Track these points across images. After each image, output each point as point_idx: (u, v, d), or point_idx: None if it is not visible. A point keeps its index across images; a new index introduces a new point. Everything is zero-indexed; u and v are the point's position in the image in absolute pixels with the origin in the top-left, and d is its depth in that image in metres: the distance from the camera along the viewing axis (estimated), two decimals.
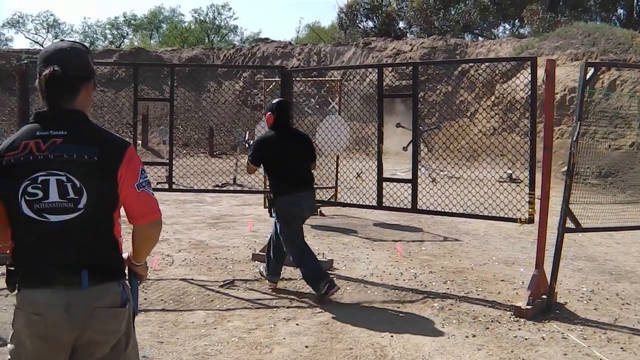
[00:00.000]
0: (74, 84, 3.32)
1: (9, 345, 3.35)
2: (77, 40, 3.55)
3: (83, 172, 3.24)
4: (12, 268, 3.32)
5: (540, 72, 7.86)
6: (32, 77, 9.91)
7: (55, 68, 3.23)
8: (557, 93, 23.30)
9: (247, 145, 8.87)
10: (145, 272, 3.72)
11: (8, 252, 3.37)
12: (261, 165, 8.30)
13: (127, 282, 3.51)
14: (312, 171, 8.48)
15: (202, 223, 13.14)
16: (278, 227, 8.21)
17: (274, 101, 8.46)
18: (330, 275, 8.33)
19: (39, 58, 3.35)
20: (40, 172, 3.21)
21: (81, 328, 3.24)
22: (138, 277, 3.67)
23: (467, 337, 6.58)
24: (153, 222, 3.47)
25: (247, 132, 9.82)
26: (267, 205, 14.56)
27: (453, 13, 42.67)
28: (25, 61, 10.01)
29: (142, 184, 3.38)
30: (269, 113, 8.25)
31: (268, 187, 8.55)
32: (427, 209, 9.10)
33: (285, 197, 8.03)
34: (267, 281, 8.53)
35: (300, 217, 8.22)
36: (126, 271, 3.57)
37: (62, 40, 3.53)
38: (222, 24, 62.18)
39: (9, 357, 3.35)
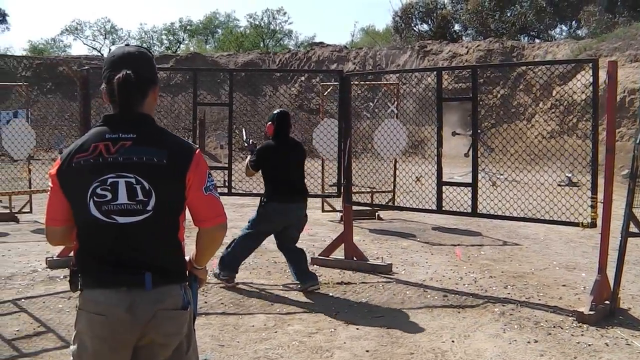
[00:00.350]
0: (144, 87, 3.37)
1: (72, 347, 3.38)
2: (142, 46, 3.53)
3: (152, 174, 3.27)
4: (75, 268, 3.37)
5: (602, 74, 7.75)
6: (93, 83, 10.06)
7: (129, 72, 3.27)
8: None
9: (246, 145, 9.06)
10: (205, 276, 3.73)
11: (72, 253, 3.42)
12: (259, 170, 8.70)
13: (187, 285, 3.53)
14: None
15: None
16: (253, 219, 8.68)
17: (275, 112, 8.80)
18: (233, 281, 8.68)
19: (107, 62, 3.39)
20: (110, 174, 3.25)
21: (143, 329, 3.26)
22: (198, 281, 3.67)
23: (529, 342, 6.51)
24: (219, 225, 3.47)
25: (244, 130, 9.86)
26: (324, 209, 14.66)
27: (509, 15, 42.22)
28: (87, 67, 10.16)
29: (209, 188, 3.40)
30: (269, 123, 8.67)
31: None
32: (487, 213, 9.04)
33: (275, 204, 8.46)
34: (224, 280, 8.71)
35: (278, 225, 8.58)
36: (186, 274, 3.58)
37: (127, 44, 3.57)
38: (277, 28, 62.45)
39: (71, 358, 3.39)
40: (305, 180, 8.91)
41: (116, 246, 3.27)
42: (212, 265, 9.46)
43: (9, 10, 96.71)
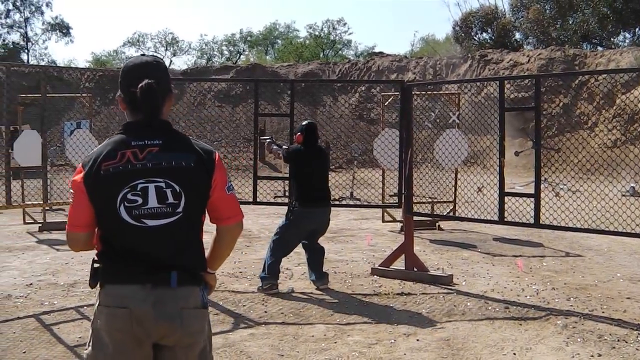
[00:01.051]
0: (163, 95, 3.53)
1: (86, 350, 3.46)
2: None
3: (182, 177, 3.42)
4: (98, 265, 3.46)
5: None
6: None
7: (151, 81, 3.39)
8: None
9: (266, 142, 9.50)
10: (214, 282, 3.77)
11: (95, 253, 3.50)
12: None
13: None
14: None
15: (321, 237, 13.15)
16: (284, 224, 9.07)
17: (304, 123, 9.20)
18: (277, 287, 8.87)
19: (125, 72, 3.53)
20: (139, 180, 3.37)
21: (169, 326, 3.33)
22: (208, 287, 3.67)
23: (592, 356, 6.38)
24: (240, 222, 3.68)
25: (264, 125, 10.13)
26: (384, 219, 14.62)
27: (571, 22, 41.69)
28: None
29: (230, 187, 3.61)
30: (298, 133, 9.09)
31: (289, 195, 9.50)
32: (550, 224, 8.91)
33: (301, 209, 8.87)
34: (264, 288, 8.92)
35: (306, 230, 9.02)
36: None
37: (143, 54, 3.72)
38: (337, 38, 62.52)
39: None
40: (369, 191, 9.01)
41: (144, 247, 3.37)
42: None
43: (72, 23, 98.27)
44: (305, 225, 8.97)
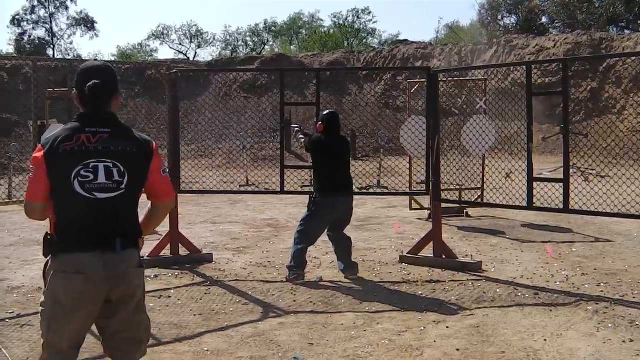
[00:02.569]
0: (109, 93, 4.26)
1: (41, 308, 4.15)
2: (106, 61, 4.45)
3: (126, 160, 4.16)
4: (50, 237, 4.17)
5: None
6: (181, 86, 10.17)
7: (97, 81, 4.15)
8: None
9: (294, 131, 9.58)
10: (142, 244, 4.41)
11: (49, 225, 4.24)
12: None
13: None
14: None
15: (348, 225, 13.12)
16: (306, 214, 9.17)
17: (324, 112, 9.31)
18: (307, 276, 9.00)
19: (80, 74, 4.29)
20: (92, 160, 4.09)
21: (116, 283, 4.08)
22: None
23: (624, 342, 6.33)
24: (172, 199, 4.65)
25: (289, 115, 10.22)
26: (412, 207, 14.58)
27: (597, 6, 41.33)
28: (175, 71, 10.28)
29: (165, 170, 4.42)
30: (320, 123, 9.17)
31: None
32: (580, 209, 8.84)
33: (322, 199, 8.92)
34: (291, 278, 8.99)
35: (328, 219, 9.08)
36: None
37: (96, 59, 4.77)
38: (361, 27, 62.41)
39: (41, 319, 4.16)
40: (395, 179, 9.02)
41: (94, 217, 4.08)
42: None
43: (97, 18, 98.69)
44: (326, 214, 9.00)
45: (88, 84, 4.14)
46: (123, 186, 4.13)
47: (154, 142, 4.38)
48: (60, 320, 4.08)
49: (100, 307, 4.12)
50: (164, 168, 4.40)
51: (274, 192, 9.85)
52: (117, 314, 4.18)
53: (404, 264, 9.74)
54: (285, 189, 10.10)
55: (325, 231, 9.24)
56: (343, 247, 9.21)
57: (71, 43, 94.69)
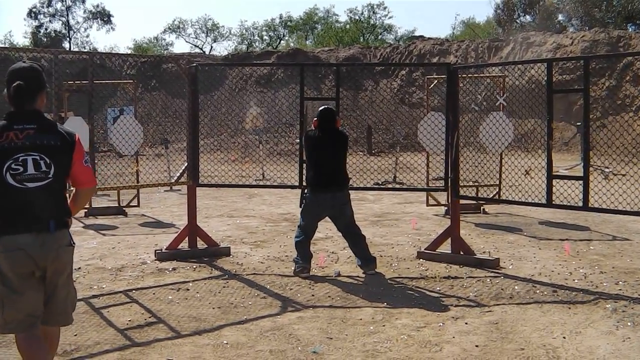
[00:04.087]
0: (33, 93, 4.77)
1: None
2: (34, 62, 5.09)
3: (51, 152, 4.71)
4: None
5: None
6: (201, 80, 10.18)
7: (20, 82, 4.68)
8: None
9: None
10: (71, 223, 5.00)
11: None
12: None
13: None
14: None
15: (365, 221, 13.18)
16: (301, 210, 9.29)
17: (320, 109, 9.27)
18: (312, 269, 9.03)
19: (8, 75, 4.76)
20: (20, 154, 4.64)
21: (51, 260, 4.69)
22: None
23: None
24: (93, 187, 5.25)
25: (306, 110, 10.24)
26: (429, 203, 14.56)
27: (615, 4, 41.13)
28: (195, 64, 10.30)
29: (86, 161, 5.02)
30: (315, 119, 9.16)
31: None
32: (599, 207, 8.81)
33: (310, 194, 9.08)
34: (297, 271, 9.05)
35: (318, 214, 9.17)
36: None
37: (24, 61, 4.97)
38: (377, 22, 62.29)
39: None
40: (412, 175, 8.99)
41: (28, 204, 4.64)
42: (318, 259, 9.56)
43: (113, 11, 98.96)
44: (315, 210, 9.09)
45: (12, 85, 4.69)
46: (50, 175, 4.70)
47: (77, 135, 4.95)
48: (11, 297, 4.65)
49: (39, 279, 4.74)
50: (85, 159, 4.99)
51: (293, 187, 9.83)
52: (50, 284, 4.79)
53: (421, 259, 9.74)
54: (304, 184, 10.10)
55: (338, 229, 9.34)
56: (355, 243, 9.20)
57: (87, 36, 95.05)
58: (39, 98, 4.82)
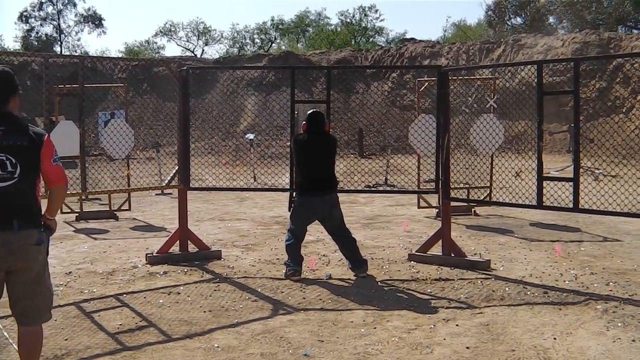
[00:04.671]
0: (5, 95, 4.96)
1: None
2: (5, 65, 5.42)
3: (18, 153, 4.85)
4: None
5: None
6: (192, 83, 10.18)
7: None
8: None
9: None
10: (55, 225, 5.27)
11: None
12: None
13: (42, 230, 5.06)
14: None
15: (356, 223, 13.21)
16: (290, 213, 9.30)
17: (308, 112, 9.23)
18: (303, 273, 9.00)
19: None
20: None
21: (13, 259, 4.82)
22: (50, 229, 5.18)
23: (633, 340, 6.34)
24: (63, 185, 5.18)
25: (297, 113, 10.26)
26: (420, 205, 14.58)
27: (605, 5, 41.23)
28: (186, 67, 10.29)
29: (55, 160, 5.07)
30: (304, 122, 9.15)
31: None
32: (589, 208, 8.83)
33: (298, 198, 9.09)
34: (288, 274, 9.04)
35: (306, 218, 9.14)
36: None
37: None
38: (368, 25, 62.34)
39: None
40: (404, 178, 8.99)
41: None
42: (309, 262, 9.56)
43: (104, 15, 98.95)
44: (303, 214, 9.10)
45: None
46: (16, 175, 4.84)
47: (47, 135, 5.09)
48: None
49: (4, 276, 4.90)
50: (54, 158, 5.06)
51: (284, 190, 9.84)
52: (17, 283, 4.94)
53: (412, 262, 9.74)
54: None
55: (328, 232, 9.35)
56: (345, 246, 9.20)
57: (79, 40, 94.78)
58: (12, 100, 5.00)
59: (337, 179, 9.32)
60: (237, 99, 33.17)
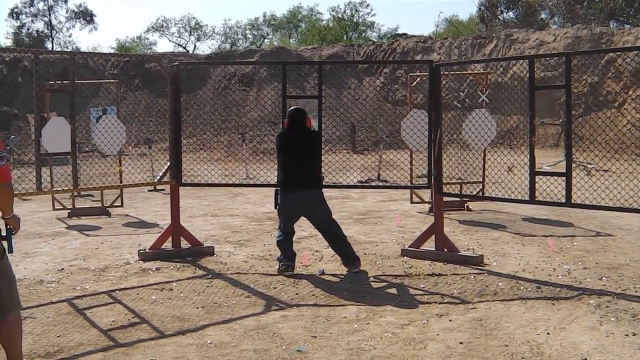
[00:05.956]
0: None
1: None
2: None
3: None
4: None
5: None
6: (183, 79, 10.15)
7: None
8: None
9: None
10: (15, 223, 5.39)
11: None
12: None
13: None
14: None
15: (349, 219, 13.21)
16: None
17: (289, 109, 9.31)
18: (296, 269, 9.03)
19: None
20: None
21: None
22: (12, 228, 5.35)
23: (626, 335, 6.33)
24: (2, 183, 5.11)
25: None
26: (413, 200, 14.58)
27: (597, 0, 41.26)
28: (177, 63, 10.27)
29: None
30: (285, 120, 9.25)
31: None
32: (582, 203, 8.83)
33: (281, 194, 9.14)
34: (281, 270, 9.06)
35: (290, 214, 9.19)
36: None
37: None
38: (360, 20, 62.31)
39: None
40: (396, 173, 8.98)
41: None
42: (302, 258, 9.55)
43: (96, 10, 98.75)
44: (286, 211, 9.15)
45: None
46: None
47: None
48: None
49: None
50: None
51: (274, 186, 9.82)
52: None
53: (405, 257, 9.74)
54: None
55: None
56: (334, 242, 9.22)
57: (70, 36, 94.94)
58: None
59: (322, 175, 9.35)
60: (229, 94, 33.11)
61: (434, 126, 9.54)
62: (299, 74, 32.94)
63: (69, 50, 52.12)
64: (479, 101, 13.09)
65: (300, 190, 8.97)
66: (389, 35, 54.57)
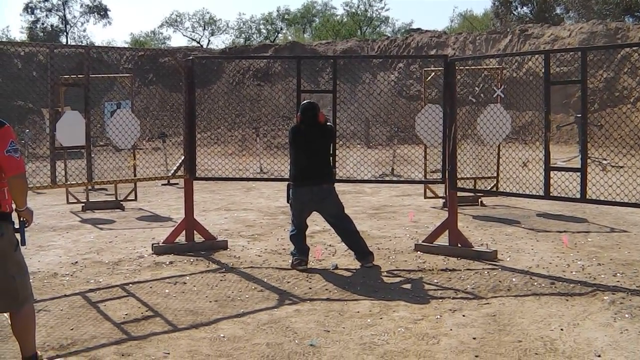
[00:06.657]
0: None
1: None
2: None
3: None
4: None
5: None
6: (197, 73, 10.16)
7: None
8: None
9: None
10: (28, 216, 5.38)
11: None
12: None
13: (10, 223, 5.19)
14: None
15: (363, 214, 13.21)
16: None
17: (302, 103, 9.31)
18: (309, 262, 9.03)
19: None
20: None
21: None
22: (25, 220, 5.36)
23: None
24: (17, 174, 5.07)
25: None
26: (426, 195, 14.55)
27: None
28: (191, 57, 10.27)
29: (9, 150, 5.02)
30: (298, 114, 9.17)
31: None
32: (597, 198, 8.79)
33: (292, 189, 9.08)
34: (294, 264, 9.03)
35: (302, 208, 9.13)
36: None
37: None
38: (374, 15, 62.17)
39: None
40: (410, 168, 8.97)
41: None
42: (315, 252, 9.54)
43: (110, 5, 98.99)
44: (297, 205, 9.11)
45: None
46: None
47: (5, 126, 5.07)
48: None
49: None
50: (8, 148, 5.03)
51: (288, 180, 9.82)
52: None
53: (419, 252, 9.72)
54: None
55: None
56: (345, 236, 9.24)
57: (84, 31, 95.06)
58: None
59: (334, 170, 9.37)
60: (243, 89, 33.14)
61: (448, 121, 9.51)
62: (313, 69, 32.92)
63: (83, 44, 52.31)
64: (494, 96, 13.05)
65: (310, 185, 8.96)
66: (403, 30, 54.44)
